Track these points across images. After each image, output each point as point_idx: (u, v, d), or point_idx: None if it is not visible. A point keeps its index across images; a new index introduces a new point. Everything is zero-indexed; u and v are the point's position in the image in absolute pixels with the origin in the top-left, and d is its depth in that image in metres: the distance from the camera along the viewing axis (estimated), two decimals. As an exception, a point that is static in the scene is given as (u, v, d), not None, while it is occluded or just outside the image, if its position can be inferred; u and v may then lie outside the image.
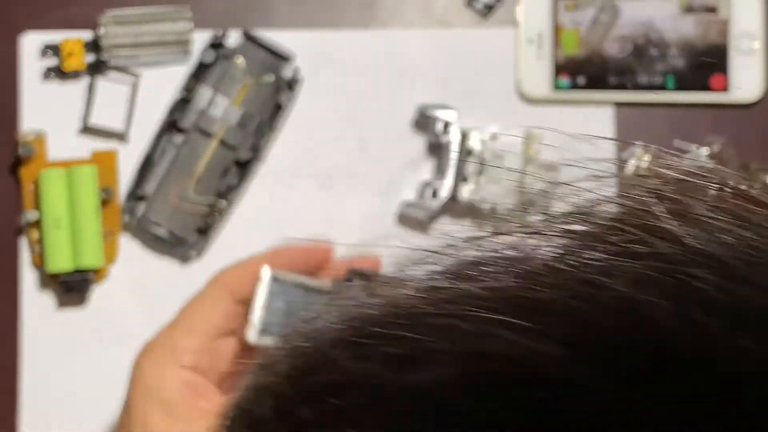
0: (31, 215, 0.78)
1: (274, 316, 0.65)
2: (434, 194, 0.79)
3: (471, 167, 0.79)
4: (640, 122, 0.83)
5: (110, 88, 0.81)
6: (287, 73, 0.81)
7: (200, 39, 0.80)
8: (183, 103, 0.80)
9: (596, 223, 0.28)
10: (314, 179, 0.81)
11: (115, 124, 0.80)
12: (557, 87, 0.82)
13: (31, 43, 0.80)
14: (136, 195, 0.79)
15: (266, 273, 0.65)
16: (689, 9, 0.82)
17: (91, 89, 0.80)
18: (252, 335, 0.64)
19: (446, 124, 0.79)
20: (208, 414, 0.59)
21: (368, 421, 0.26)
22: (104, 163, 0.79)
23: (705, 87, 0.82)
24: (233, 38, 0.81)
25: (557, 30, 0.82)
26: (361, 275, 0.65)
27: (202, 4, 0.82)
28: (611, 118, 0.82)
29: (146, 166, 0.79)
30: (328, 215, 0.81)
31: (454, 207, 0.80)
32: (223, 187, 0.80)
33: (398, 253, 0.31)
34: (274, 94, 0.81)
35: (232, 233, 0.80)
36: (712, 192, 0.29)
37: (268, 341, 0.64)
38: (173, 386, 0.61)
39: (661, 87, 0.82)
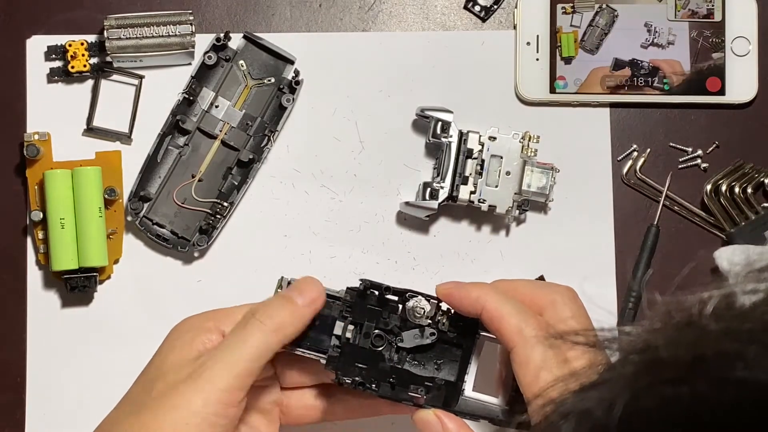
0: (36, 215, 0.78)
1: None
2: (433, 195, 0.79)
3: (470, 168, 0.80)
4: (636, 124, 0.83)
5: (114, 90, 0.81)
6: (288, 74, 0.81)
7: (203, 42, 0.80)
8: (186, 104, 0.80)
9: None
10: (315, 179, 0.82)
11: (119, 125, 0.81)
12: (555, 89, 0.82)
13: (36, 46, 0.81)
14: (139, 195, 0.79)
15: (284, 280, 0.66)
16: (684, 12, 0.83)
17: (95, 91, 0.81)
18: None
19: (445, 126, 0.80)
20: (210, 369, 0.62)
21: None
22: (108, 163, 0.79)
23: (700, 89, 0.83)
24: (235, 41, 0.81)
25: (555, 33, 0.83)
26: (374, 285, 0.66)
27: (204, 7, 0.83)
28: (608, 119, 0.83)
29: (149, 166, 0.80)
30: (328, 215, 0.82)
31: (453, 207, 0.81)
32: (225, 188, 0.81)
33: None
34: (275, 95, 0.82)
35: (234, 233, 0.81)
36: None
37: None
38: (203, 336, 0.63)
39: (658, 89, 0.82)
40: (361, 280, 0.66)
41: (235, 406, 0.61)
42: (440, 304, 0.66)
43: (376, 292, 0.66)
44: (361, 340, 0.66)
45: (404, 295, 0.66)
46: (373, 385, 0.65)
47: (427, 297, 0.66)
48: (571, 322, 0.63)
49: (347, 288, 0.66)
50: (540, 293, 0.65)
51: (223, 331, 0.64)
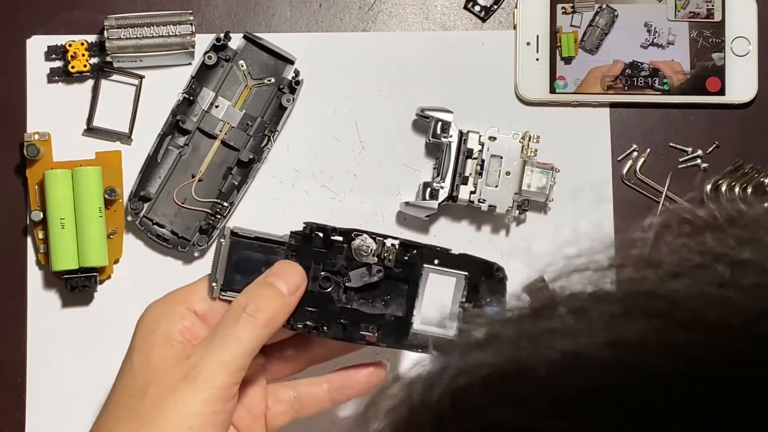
0: (36, 215, 0.78)
1: (236, 271, 0.66)
2: (433, 195, 0.79)
3: (470, 168, 0.80)
4: (636, 124, 0.83)
5: (114, 90, 0.81)
6: (288, 74, 0.82)
7: (203, 42, 0.80)
8: (186, 104, 0.80)
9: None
10: (314, 179, 0.82)
11: (119, 125, 0.81)
12: (555, 89, 0.82)
13: (36, 46, 0.81)
14: (139, 195, 0.79)
15: (227, 229, 0.66)
16: (684, 12, 0.83)
17: (95, 91, 0.81)
18: (215, 292, 0.65)
19: (445, 126, 0.80)
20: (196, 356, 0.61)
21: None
22: (108, 163, 0.79)
23: (700, 89, 0.83)
24: (235, 41, 0.81)
25: (555, 33, 0.83)
26: (319, 228, 0.66)
27: (204, 7, 0.83)
28: (608, 119, 0.83)
29: (149, 166, 0.80)
30: (328, 215, 0.82)
31: (453, 207, 0.81)
32: (225, 188, 0.81)
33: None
34: (275, 95, 0.82)
35: (234, 233, 0.81)
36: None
37: (230, 296, 0.64)
38: (178, 325, 0.63)
39: (658, 89, 0.82)
40: (305, 223, 0.66)
41: (232, 399, 0.62)
42: (385, 241, 0.66)
43: (321, 234, 0.66)
44: (309, 283, 0.65)
45: (350, 234, 0.66)
46: (325, 328, 0.65)
47: (372, 235, 0.66)
48: None
49: (291, 232, 0.66)
50: None
51: (195, 311, 0.64)
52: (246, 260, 0.66)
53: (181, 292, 0.65)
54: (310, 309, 0.65)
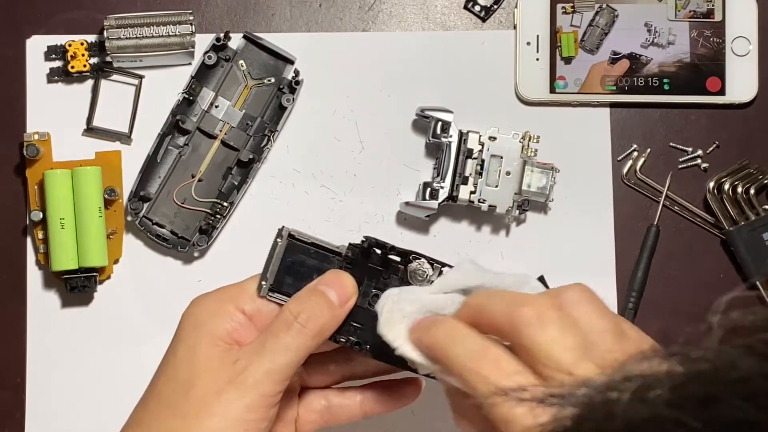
0: (36, 215, 0.78)
1: (287, 273, 0.64)
2: (433, 195, 0.79)
3: (470, 168, 0.80)
4: (636, 124, 0.83)
5: (114, 90, 0.81)
6: (288, 74, 0.82)
7: (203, 42, 0.81)
8: (186, 104, 0.80)
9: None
10: (314, 179, 0.82)
11: (119, 125, 0.81)
12: (555, 89, 0.82)
13: (36, 46, 0.81)
14: (139, 195, 0.79)
15: (285, 230, 0.65)
16: (685, 12, 0.83)
17: (95, 91, 0.81)
18: (263, 290, 0.64)
19: (445, 126, 0.80)
20: (244, 356, 0.61)
21: None
22: (108, 163, 0.79)
23: (700, 89, 0.83)
24: (235, 41, 0.81)
25: (555, 32, 0.83)
26: (378, 244, 0.64)
27: (204, 7, 0.83)
28: (608, 119, 0.83)
29: (149, 166, 0.80)
30: (328, 215, 0.82)
31: (453, 207, 0.81)
32: (225, 188, 0.81)
33: None
34: (275, 95, 0.82)
35: (233, 233, 0.81)
36: None
37: (278, 297, 0.63)
38: (226, 324, 0.62)
39: (658, 89, 0.82)
40: (364, 237, 0.65)
41: (275, 406, 0.61)
42: (443, 269, 0.65)
43: (379, 251, 0.65)
44: (359, 298, 0.64)
45: (408, 256, 0.65)
46: (368, 346, 0.64)
47: (431, 260, 0.65)
48: (549, 348, 0.52)
49: (349, 244, 0.64)
50: (514, 313, 0.53)
51: (244, 310, 0.64)
52: (299, 264, 0.65)
53: (230, 289, 0.65)
54: (355, 324, 0.64)
